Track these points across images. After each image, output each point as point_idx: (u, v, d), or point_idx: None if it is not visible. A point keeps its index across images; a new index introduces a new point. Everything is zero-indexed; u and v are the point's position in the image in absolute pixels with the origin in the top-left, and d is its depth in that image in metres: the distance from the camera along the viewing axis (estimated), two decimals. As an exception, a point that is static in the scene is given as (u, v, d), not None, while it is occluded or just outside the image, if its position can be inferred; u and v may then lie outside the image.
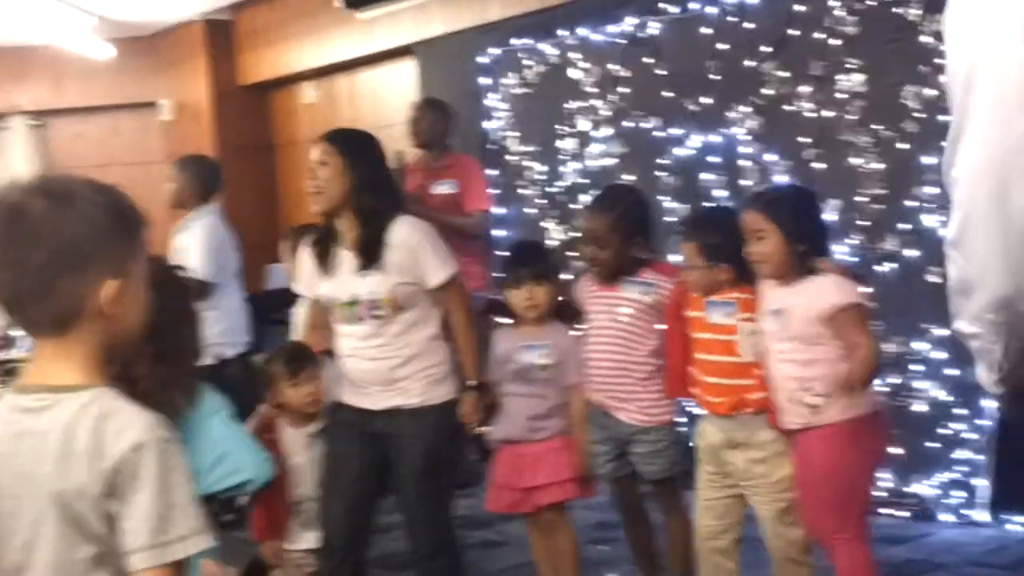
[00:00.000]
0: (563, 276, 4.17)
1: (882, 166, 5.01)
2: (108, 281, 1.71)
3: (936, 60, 4.58)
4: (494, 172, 6.55)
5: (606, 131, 6.17)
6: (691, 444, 3.85)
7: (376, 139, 3.96)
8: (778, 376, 3.48)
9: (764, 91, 5.43)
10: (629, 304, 3.94)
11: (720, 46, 5.59)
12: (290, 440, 3.95)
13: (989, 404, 4.35)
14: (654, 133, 5.92)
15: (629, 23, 5.98)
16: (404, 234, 3.74)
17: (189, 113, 8.90)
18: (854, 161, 5.08)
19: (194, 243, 5.69)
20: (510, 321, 4.12)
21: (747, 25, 5.48)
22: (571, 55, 6.30)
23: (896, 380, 4.83)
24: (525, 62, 6.54)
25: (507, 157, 6.68)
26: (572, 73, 6.29)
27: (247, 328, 5.85)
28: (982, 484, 4.70)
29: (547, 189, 6.49)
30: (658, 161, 5.89)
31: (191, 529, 1.66)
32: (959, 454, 4.80)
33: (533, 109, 6.54)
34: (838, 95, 5.14)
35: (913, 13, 4.85)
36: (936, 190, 4.60)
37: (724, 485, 3.68)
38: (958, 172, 1.57)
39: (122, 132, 9.30)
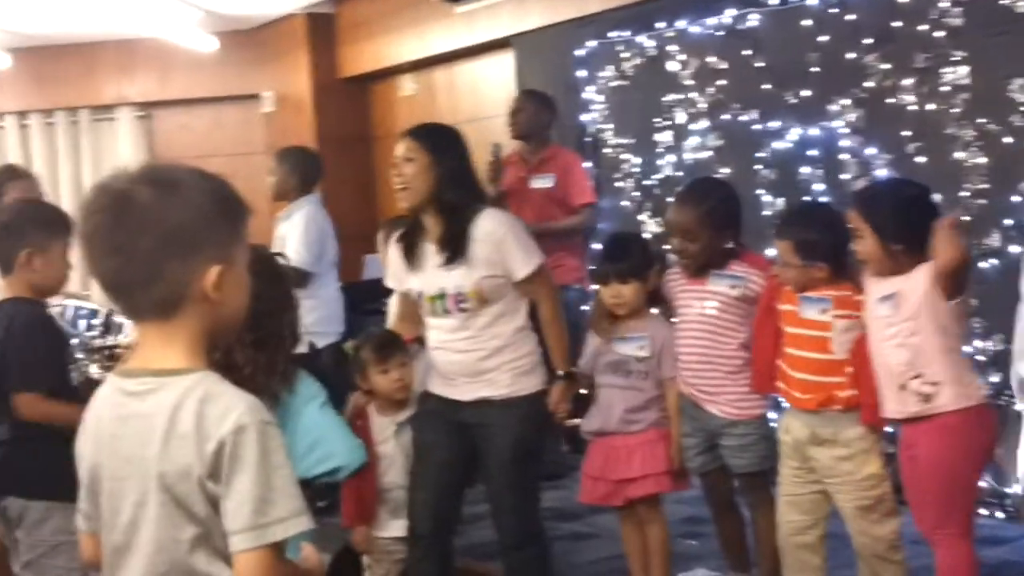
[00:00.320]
0: (659, 268, 4.11)
1: (986, 160, 4.91)
2: (213, 267, 1.74)
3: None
4: (590, 165, 6.54)
5: (703, 124, 6.12)
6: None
7: (459, 133, 3.98)
8: (888, 363, 3.40)
9: (866, 84, 5.34)
10: (716, 298, 3.90)
11: (821, 38, 5.51)
12: (378, 428, 4.01)
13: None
14: (752, 126, 5.87)
15: (728, 15, 5.93)
16: (489, 227, 3.75)
17: (290, 105, 9.03)
18: (958, 156, 4.98)
19: (295, 232, 5.77)
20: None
21: (849, 17, 5.39)
22: (669, 48, 6.26)
23: (997, 379, 4.73)
24: (623, 55, 6.52)
25: (603, 150, 6.67)
26: (670, 66, 6.25)
27: (342, 318, 5.92)
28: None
29: (643, 182, 6.47)
30: (756, 155, 5.83)
31: (290, 511, 1.69)
32: (1062, 456, 4.68)
33: (630, 102, 6.52)
34: (942, 88, 5.04)
35: (1021, 5, 4.73)
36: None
37: (809, 480, 3.64)
38: None
39: (225, 124, 9.45)
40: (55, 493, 3.22)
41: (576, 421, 4.23)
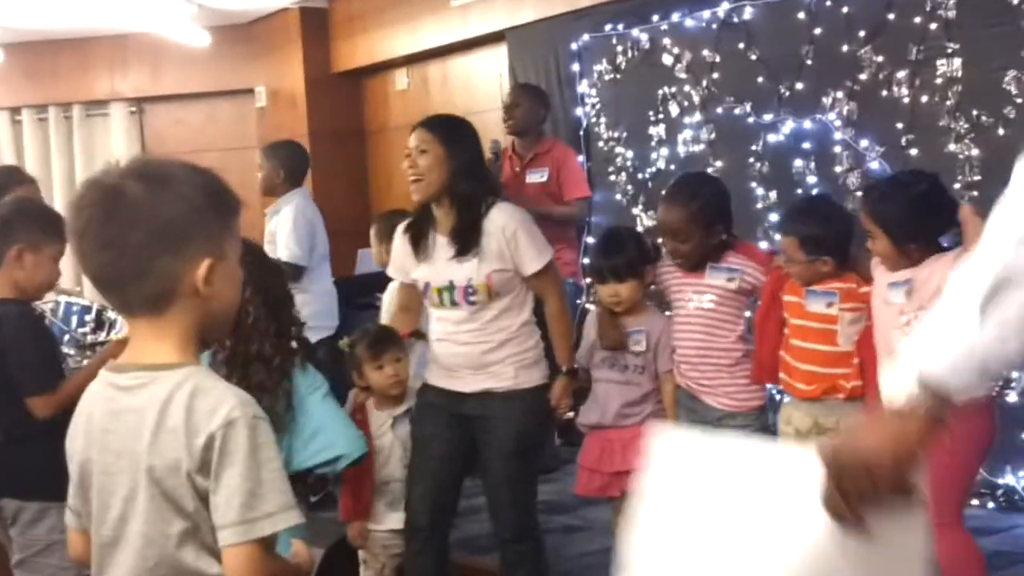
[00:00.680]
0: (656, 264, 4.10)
1: (980, 153, 4.90)
2: (204, 261, 1.74)
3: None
4: (583, 158, 6.54)
5: (697, 117, 6.12)
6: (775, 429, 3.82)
7: (472, 125, 3.97)
8: (895, 351, 3.36)
9: (859, 76, 5.34)
10: (713, 291, 3.89)
11: (815, 31, 5.51)
12: (375, 421, 4.00)
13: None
14: (746, 119, 5.87)
15: (722, 8, 5.92)
16: (501, 221, 3.73)
17: (284, 100, 9.02)
18: (951, 148, 4.98)
19: (284, 227, 5.75)
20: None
21: (843, 9, 5.39)
22: (663, 41, 6.26)
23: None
24: (616, 48, 6.51)
25: (597, 143, 6.67)
26: (664, 59, 6.25)
27: (336, 312, 5.91)
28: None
29: (637, 175, 6.47)
30: (750, 147, 5.83)
31: (279, 505, 1.69)
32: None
33: (623, 95, 6.51)
34: (936, 80, 5.04)
35: (1014, -3, 4.74)
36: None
37: None
38: None
39: (219, 118, 9.44)
40: (50, 493, 3.21)
41: (571, 414, 4.22)
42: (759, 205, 5.71)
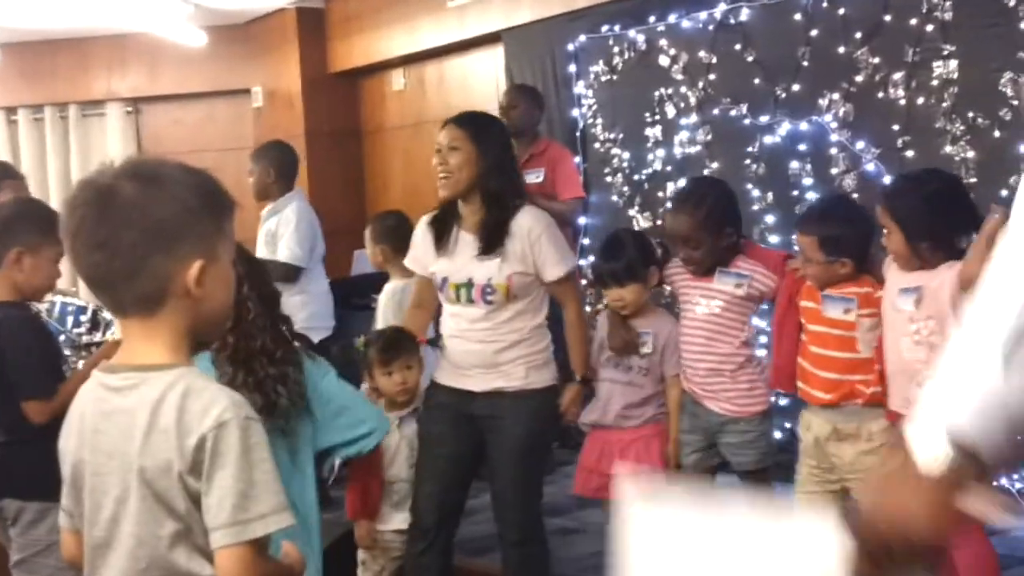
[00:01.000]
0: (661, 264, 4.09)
1: (976, 155, 4.90)
2: (196, 262, 1.73)
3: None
4: (580, 159, 6.54)
5: (693, 118, 6.12)
6: (779, 435, 3.79)
7: (501, 122, 3.95)
8: (903, 359, 3.32)
9: (856, 78, 5.34)
10: (722, 296, 3.87)
11: (811, 32, 5.51)
12: None
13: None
14: (742, 120, 5.86)
15: (719, 10, 5.92)
16: (527, 224, 3.71)
17: (281, 100, 9.01)
18: (947, 150, 4.98)
19: (287, 228, 5.73)
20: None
21: (839, 11, 5.39)
22: (660, 42, 6.25)
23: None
24: (613, 49, 6.51)
25: (593, 144, 6.66)
26: (661, 60, 6.25)
27: (332, 313, 5.91)
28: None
29: (633, 176, 6.46)
30: (746, 149, 5.83)
31: (272, 507, 1.68)
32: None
33: (620, 96, 6.51)
34: (932, 82, 5.04)
35: (1011, -1, 4.74)
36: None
37: (826, 480, 3.59)
38: None
39: (216, 119, 9.44)
40: (51, 494, 3.19)
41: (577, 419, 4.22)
42: (755, 207, 5.70)
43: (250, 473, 1.67)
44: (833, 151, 5.44)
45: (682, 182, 6.08)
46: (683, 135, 6.17)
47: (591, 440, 4.12)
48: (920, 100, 5.10)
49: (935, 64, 5.02)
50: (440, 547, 3.86)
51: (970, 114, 4.91)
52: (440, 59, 8.08)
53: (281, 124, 8.72)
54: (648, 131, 6.35)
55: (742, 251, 3.92)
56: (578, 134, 6.70)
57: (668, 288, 4.10)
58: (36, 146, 9.39)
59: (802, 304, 3.65)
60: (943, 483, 1.43)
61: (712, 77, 6.01)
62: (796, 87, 5.59)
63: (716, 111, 5.99)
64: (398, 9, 8.03)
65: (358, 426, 3.11)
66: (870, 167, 5.27)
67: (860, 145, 5.33)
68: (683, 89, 6.15)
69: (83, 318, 4.85)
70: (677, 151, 6.21)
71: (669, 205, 4.05)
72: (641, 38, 6.35)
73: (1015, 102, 4.75)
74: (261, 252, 5.78)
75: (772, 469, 3.98)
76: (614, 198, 6.54)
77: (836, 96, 5.41)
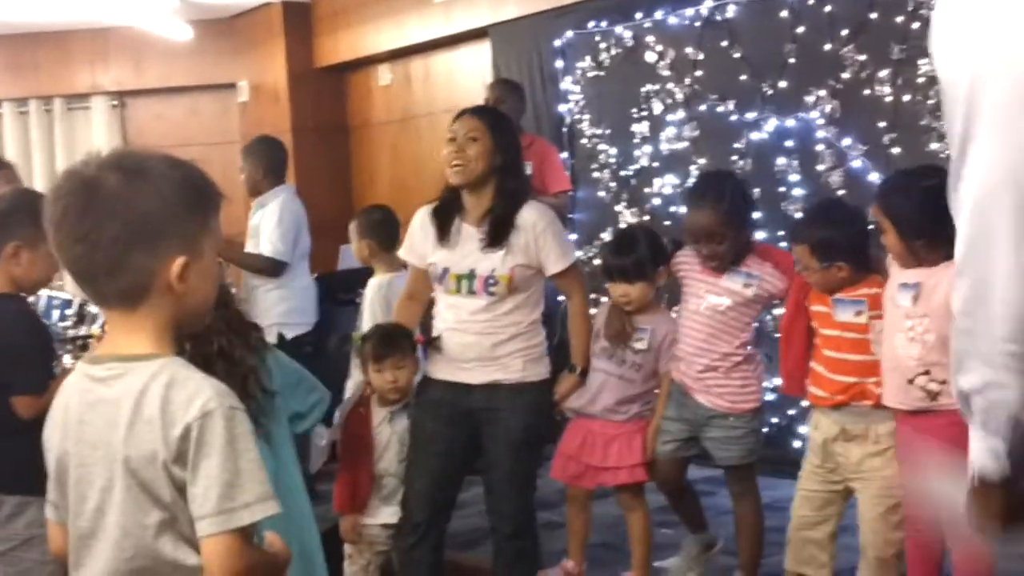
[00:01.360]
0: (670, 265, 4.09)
1: (961, 152, 4.91)
2: (179, 259, 1.72)
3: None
4: (567, 155, 6.54)
5: (680, 114, 6.13)
6: (764, 429, 3.80)
7: (511, 119, 3.99)
8: (898, 355, 3.32)
9: (842, 75, 5.35)
10: (730, 295, 3.86)
11: (798, 29, 5.52)
12: (375, 415, 4.01)
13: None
14: (729, 117, 5.87)
15: (706, 6, 5.93)
16: (532, 218, 3.73)
17: (266, 94, 8.99)
18: (933, 146, 4.99)
19: (270, 222, 5.73)
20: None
21: (826, 8, 5.40)
22: (647, 38, 6.26)
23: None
24: (600, 45, 6.51)
25: (580, 140, 6.67)
26: (647, 56, 6.25)
27: (314, 309, 5.90)
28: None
29: (620, 172, 6.47)
30: (732, 145, 5.84)
31: (258, 495, 1.68)
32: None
33: (607, 92, 6.52)
34: (918, 79, 5.06)
35: (997, -4, 4.74)
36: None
37: (828, 480, 3.59)
38: (967, 188, 1.48)
39: (201, 113, 9.41)
40: (29, 487, 3.18)
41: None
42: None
43: (235, 462, 1.67)
44: (819, 148, 5.46)
45: (671, 177, 6.10)
46: (670, 131, 6.18)
47: (574, 427, 4.13)
48: (906, 97, 5.12)
49: (921, 61, 5.04)
50: (432, 542, 3.86)
51: (956, 111, 4.91)
52: (427, 54, 8.07)
53: (267, 119, 8.70)
54: (635, 127, 6.35)
55: (753, 249, 3.92)
56: (565, 130, 6.70)
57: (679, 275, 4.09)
58: (21, 140, 9.34)
59: (812, 308, 3.63)
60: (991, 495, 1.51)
61: (699, 73, 6.02)
62: (782, 84, 5.60)
63: (703, 107, 6.00)
64: (385, 4, 8.01)
65: (312, 391, 3.31)
66: (856, 164, 5.29)
67: (846, 142, 5.35)
68: (670, 85, 6.16)
69: (69, 312, 4.84)
70: (664, 147, 6.22)
71: (686, 202, 4.01)
72: (628, 34, 6.35)
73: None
74: (248, 246, 5.79)
75: (757, 464, 3.99)
76: (601, 194, 6.54)
77: (822, 93, 5.43)
